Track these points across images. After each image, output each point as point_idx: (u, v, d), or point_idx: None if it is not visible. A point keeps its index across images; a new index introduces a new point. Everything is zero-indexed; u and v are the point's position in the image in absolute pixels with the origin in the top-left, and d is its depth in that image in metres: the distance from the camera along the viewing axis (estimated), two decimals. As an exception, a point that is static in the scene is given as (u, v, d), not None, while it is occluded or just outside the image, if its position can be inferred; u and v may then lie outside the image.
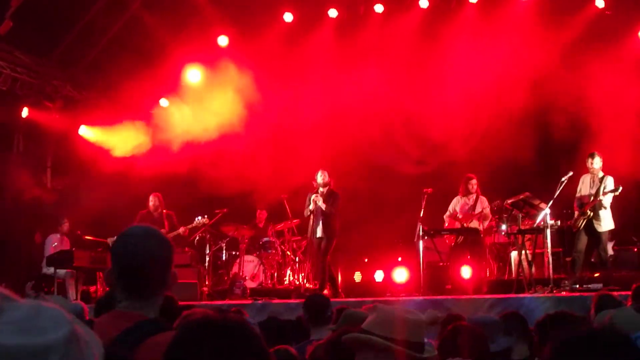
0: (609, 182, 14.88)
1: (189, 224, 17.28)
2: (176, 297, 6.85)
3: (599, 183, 14.95)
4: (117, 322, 3.47)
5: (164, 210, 17.43)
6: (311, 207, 16.35)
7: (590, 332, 2.40)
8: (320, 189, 16.38)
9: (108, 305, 5.18)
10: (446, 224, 17.05)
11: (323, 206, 16.17)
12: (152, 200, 17.44)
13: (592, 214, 14.79)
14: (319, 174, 16.40)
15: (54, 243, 17.54)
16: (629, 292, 9.82)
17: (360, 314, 6.80)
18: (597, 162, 15.05)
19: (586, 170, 15.26)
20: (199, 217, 17.33)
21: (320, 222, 16.25)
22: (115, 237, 3.81)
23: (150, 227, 3.89)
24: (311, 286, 16.52)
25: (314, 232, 16.40)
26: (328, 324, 7.55)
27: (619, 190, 14.62)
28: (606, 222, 14.83)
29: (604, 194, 14.73)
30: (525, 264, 15.15)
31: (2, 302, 1.43)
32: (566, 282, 14.76)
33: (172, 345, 2.39)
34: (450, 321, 7.37)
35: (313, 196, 16.30)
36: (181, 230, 17.03)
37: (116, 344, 3.00)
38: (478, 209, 16.74)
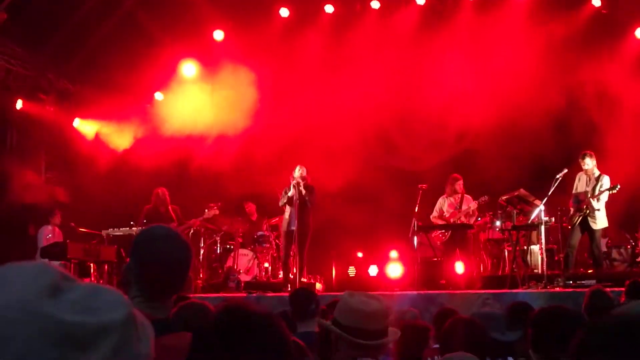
0: (605, 180, 14.89)
1: (185, 218, 17.18)
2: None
3: (595, 181, 14.95)
4: None
5: (170, 206, 17.27)
6: (290, 193, 16.04)
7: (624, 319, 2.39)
8: (302, 190, 16.07)
9: None
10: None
11: (303, 191, 15.84)
12: (159, 195, 17.19)
13: (588, 211, 14.78)
14: (297, 168, 16.05)
15: (48, 235, 17.53)
16: (622, 289, 9.87)
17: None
18: (588, 163, 15.02)
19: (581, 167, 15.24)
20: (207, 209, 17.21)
21: (296, 216, 15.89)
22: (139, 235, 3.77)
23: (173, 229, 3.84)
24: (305, 280, 16.46)
25: (289, 224, 16.14)
26: (314, 317, 7.58)
27: (617, 189, 14.63)
28: (601, 220, 14.84)
29: (601, 192, 14.73)
30: (519, 260, 15.22)
31: (62, 282, 1.44)
32: (559, 278, 14.78)
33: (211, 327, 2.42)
34: (445, 315, 7.41)
35: (294, 182, 15.93)
36: (193, 222, 16.87)
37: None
38: (464, 208, 16.81)
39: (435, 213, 17.16)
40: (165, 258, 3.57)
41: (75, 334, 1.38)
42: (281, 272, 17.79)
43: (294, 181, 15.97)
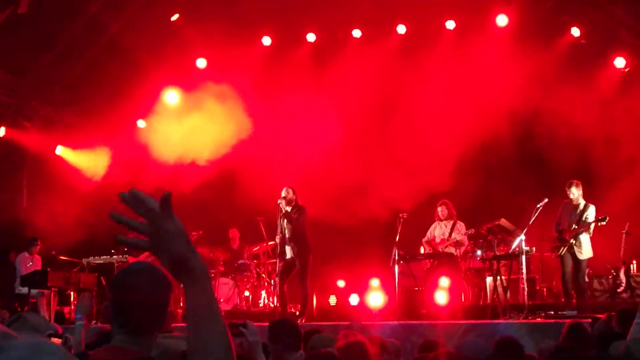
0: (591, 210, 14.80)
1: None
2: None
3: (581, 211, 14.87)
4: (115, 358, 3.44)
5: None
6: (279, 221, 15.63)
7: None
8: (287, 208, 15.57)
9: None
10: (423, 249, 17.06)
11: (288, 208, 15.45)
12: None
13: (573, 241, 14.72)
14: (284, 190, 15.64)
15: (28, 263, 17.44)
16: (603, 316, 9.95)
17: (328, 338, 6.81)
18: (574, 192, 14.90)
19: (566, 196, 15.18)
20: None
21: (289, 241, 15.54)
22: (117, 273, 3.79)
23: (152, 265, 3.72)
24: (294, 311, 16.28)
25: (283, 253, 15.71)
26: (298, 350, 7.06)
27: (606, 220, 14.55)
28: (586, 250, 14.72)
29: (588, 224, 14.64)
30: (500, 289, 15.17)
31: (1, 341, 1.43)
32: (565, 311, 14.53)
33: None
34: (428, 348, 7.38)
35: (279, 201, 15.50)
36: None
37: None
38: (454, 236, 16.76)
39: (426, 237, 17.14)
40: (132, 292, 3.55)
41: None
42: (263, 301, 17.78)
43: (279, 200, 15.54)
